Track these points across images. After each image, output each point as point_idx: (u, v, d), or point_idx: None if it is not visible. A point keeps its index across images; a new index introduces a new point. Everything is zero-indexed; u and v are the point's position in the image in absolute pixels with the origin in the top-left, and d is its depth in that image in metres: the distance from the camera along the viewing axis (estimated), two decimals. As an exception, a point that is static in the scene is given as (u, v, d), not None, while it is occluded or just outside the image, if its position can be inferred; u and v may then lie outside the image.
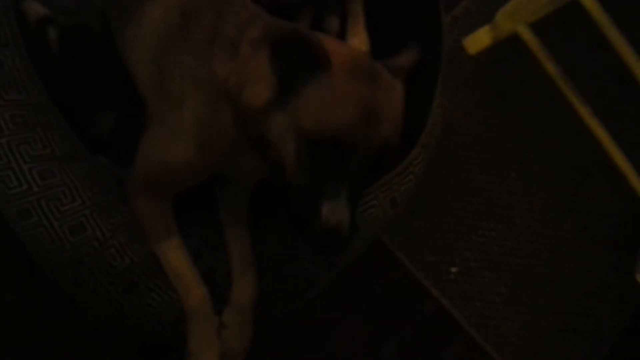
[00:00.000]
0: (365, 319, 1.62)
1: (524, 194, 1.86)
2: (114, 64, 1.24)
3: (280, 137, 0.92)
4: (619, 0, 1.70)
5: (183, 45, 1.07)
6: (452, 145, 1.78)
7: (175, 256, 1.13)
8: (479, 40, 1.83)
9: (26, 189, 1.10)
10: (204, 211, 1.24)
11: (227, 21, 1.03)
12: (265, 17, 1.04)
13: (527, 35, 1.69)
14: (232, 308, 1.18)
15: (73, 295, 1.21)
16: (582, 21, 1.57)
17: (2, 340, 1.32)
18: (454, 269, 1.75)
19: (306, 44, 0.88)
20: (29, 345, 1.35)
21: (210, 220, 1.23)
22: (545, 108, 1.91)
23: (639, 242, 1.84)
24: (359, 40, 1.40)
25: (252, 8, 1.04)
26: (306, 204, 0.88)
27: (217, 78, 1.01)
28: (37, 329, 1.33)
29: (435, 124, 1.31)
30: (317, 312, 1.53)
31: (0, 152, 1.10)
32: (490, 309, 1.76)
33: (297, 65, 0.89)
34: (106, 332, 1.32)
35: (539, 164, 1.89)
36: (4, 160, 1.10)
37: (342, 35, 1.43)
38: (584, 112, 1.73)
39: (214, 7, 1.07)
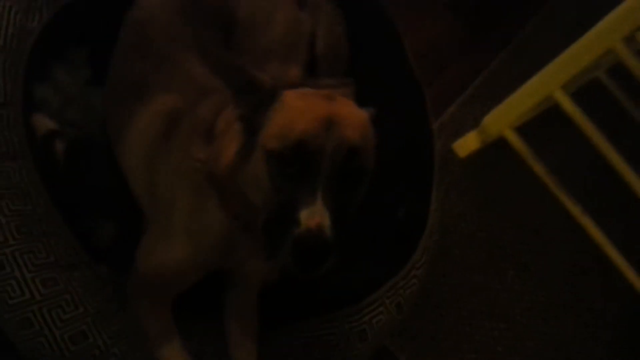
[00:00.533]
0: None
1: (523, 292, 1.86)
2: (115, 173, 1.30)
3: (253, 175, 0.95)
4: (592, 99, 1.77)
5: (167, 147, 1.16)
6: (447, 245, 1.80)
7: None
8: (467, 144, 1.90)
9: (28, 298, 1.11)
10: (211, 322, 1.25)
11: (204, 111, 1.13)
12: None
13: (513, 138, 1.77)
14: None
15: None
16: (564, 122, 1.65)
17: None
18: None
19: (257, 84, 0.96)
20: None
21: (216, 325, 1.24)
22: (536, 207, 1.95)
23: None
24: None
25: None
26: (284, 219, 0.88)
27: (198, 165, 1.08)
28: None
29: (433, 225, 1.35)
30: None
31: (4, 262, 1.13)
32: (497, 414, 1.74)
33: (257, 102, 0.96)
34: None
35: (535, 262, 1.90)
36: (7, 269, 1.12)
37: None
38: (575, 211, 1.77)
39: (192, 103, 1.16)
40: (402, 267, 1.31)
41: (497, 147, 1.86)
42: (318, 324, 1.25)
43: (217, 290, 1.26)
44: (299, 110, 0.92)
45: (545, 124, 1.87)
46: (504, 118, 1.70)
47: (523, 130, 1.79)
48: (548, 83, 1.54)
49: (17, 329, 1.10)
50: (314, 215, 0.85)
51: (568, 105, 1.55)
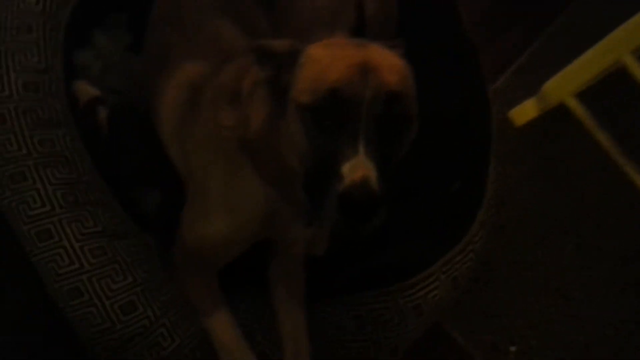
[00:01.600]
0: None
1: (581, 268, 1.80)
2: (157, 140, 1.31)
3: (287, 134, 0.92)
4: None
5: (194, 117, 1.15)
6: (502, 218, 1.77)
7: (223, 330, 1.14)
8: (524, 112, 1.86)
9: (77, 267, 1.13)
10: (257, 289, 1.25)
11: (228, 76, 1.10)
12: None
13: (575, 105, 1.71)
14: None
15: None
16: (630, 89, 1.60)
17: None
18: (513, 348, 1.71)
19: (275, 50, 0.94)
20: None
21: (263, 299, 1.24)
22: (597, 178, 1.90)
23: None
24: None
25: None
26: (326, 176, 0.85)
27: (227, 132, 1.06)
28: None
29: (491, 199, 1.33)
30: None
31: (52, 230, 1.14)
32: (553, 390, 1.72)
33: (280, 63, 0.93)
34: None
35: (595, 237, 1.86)
36: (55, 238, 1.14)
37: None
38: (640, 180, 1.73)
39: (215, 70, 1.14)
40: (458, 242, 1.29)
41: (555, 116, 1.83)
42: (371, 297, 1.24)
43: (262, 261, 1.26)
44: (329, 59, 0.89)
45: (608, 91, 1.82)
46: (566, 84, 1.65)
47: (584, 97, 1.74)
48: (617, 47, 1.49)
49: (68, 298, 1.11)
50: (358, 168, 0.82)
51: (637, 70, 1.50)
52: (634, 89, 1.56)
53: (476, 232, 1.31)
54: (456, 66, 1.45)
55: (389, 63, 0.90)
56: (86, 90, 1.35)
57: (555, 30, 2.09)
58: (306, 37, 1.03)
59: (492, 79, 1.94)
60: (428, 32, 1.46)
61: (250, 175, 1.06)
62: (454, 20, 1.52)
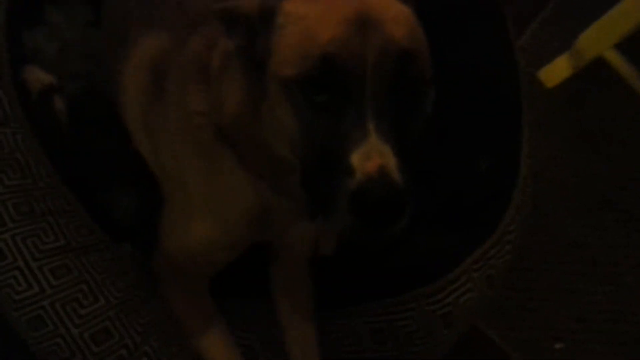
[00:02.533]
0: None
1: (628, 246, 1.70)
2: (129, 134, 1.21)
3: (273, 117, 0.82)
4: None
5: (160, 103, 1.05)
6: (535, 195, 1.63)
7: (219, 352, 1.09)
8: (556, 71, 1.74)
9: (37, 292, 1.04)
10: (256, 295, 1.19)
11: (193, 51, 1.00)
12: None
13: (616, 60, 1.61)
14: None
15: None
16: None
17: None
18: (558, 345, 1.61)
19: (238, 6, 0.83)
20: None
21: (264, 308, 1.17)
22: (640, 145, 1.82)
23: None
24: None
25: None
26: (330, 168, 0.74)
27: (199, 119, 0.97)
28: None
29: (526, 177, 1.22)
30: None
31: (3, 250, 1.04)
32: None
33: (251, 27, 0.83)
34: None
35: (641, 210, 1.77)
36: (8, 259, 1.05)
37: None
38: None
39: (179, 43, 1.04)
40: (491, 232, 1.16)
41: (592, 74, 1.72)
42: (390, 306, 1.15)
43: (261, 262, 1.20)
44: (315, 15, 0.78)
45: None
46: (604, 35, 1.55)
47: (626, 50, 1.63)
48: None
49: (29, 329, 1.03)
50: (372, 155, 0.70)
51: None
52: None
53: (512, 219, 1.19)
54: (477, 20, 1.34)
55: (393, 13, 0.78)
56: (38, 77, 1.23)
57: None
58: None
59: (514, 34, 1.74)
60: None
61: (233, 169, 0.96)
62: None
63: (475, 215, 1.22)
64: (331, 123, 0.74)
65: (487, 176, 1.25)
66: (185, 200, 1.04)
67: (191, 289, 1.11)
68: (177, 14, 1.09)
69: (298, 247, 1.16)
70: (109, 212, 1.20)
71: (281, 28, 0.80)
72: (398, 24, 0.76)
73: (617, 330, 1.64)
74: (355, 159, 0.70)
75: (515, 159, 1.24)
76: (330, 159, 0.74)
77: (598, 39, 1.58)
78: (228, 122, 0.92)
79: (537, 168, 1.62)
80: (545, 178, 1.73)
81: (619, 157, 1.81)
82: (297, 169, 0.82)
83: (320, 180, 0.76)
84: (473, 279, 1.14)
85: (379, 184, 0.69)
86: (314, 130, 0.76)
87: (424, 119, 0.81)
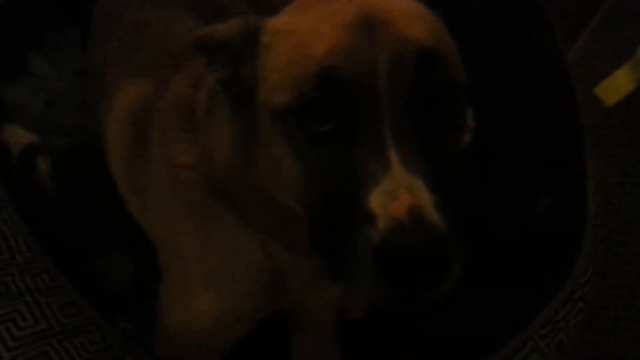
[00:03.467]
0: None
1: None
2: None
3: (269, 158, 0.69)
4: None
5: (144, 157, 0.95)
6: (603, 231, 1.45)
7: None
8: (616, 86, 1.56)
9: None
10: None
11: (175, 94, 0.90)
12: None
13: None
14: None
15: None
16: None
17: None
18: None
19: (215, 32, 0.72)
20: None
21: None
22: None
23: None
24: None
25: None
26: (343, 216, 0.60)
27: (187, 174, 0.86)
28: None
29: (596, 216, 1.04)
30: None
31: None
32: None
33: (234, 54, 0.72)
34: None
35: None
36: None
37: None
38: None
39: (161, 86, 0.94)
40: (559, 289, 0.98)
41: None
42: None
43: (279, 336, 1.11)
44: (307, 26, 0.66)
45: None
46: None
47: None
48: None
49: None
50: (397, 192, 0.56)
51: None
52: None
53: (583, 270, 1.01)
54: (519, 34, 1.19)
55: (402, 8, 0.65)
56: (19, 137, 1.18)
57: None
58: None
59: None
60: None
61: (235, 230, 0.84)
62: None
63: (537, 267, 1.05)
64: (340, 158, 0.61)
65: (549, 217, 1.09)
66: (182, 271, 0.92)
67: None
68: (160, 54, 1.00)
69: (322, 313, 1.06)
70: (102, 283, 1.12)
71: (268, 49, 0.68)
72: (412, 20, 0.63)
73: None
74: (376, 200, 0.56)
75: (581, 194, 1.07)
76: (343, 205, 0.59)
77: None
78: (221, 174, 0.80)
79: (603, 201, 1.43)
80: (611, 209, 1.55)
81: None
82: (305, 221, 0.68)
83: (333, 234, 0.61)
84: (539, 348, 0.96)
85: (411, 232, 0.54)
86: (319, 170, 0.63)
87: (461, 138, 0.66)
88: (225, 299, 0.89)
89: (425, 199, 0.55)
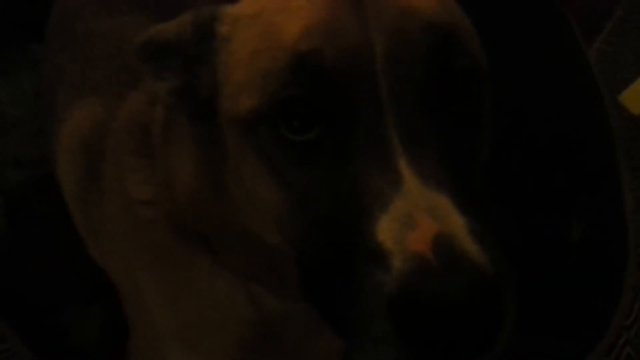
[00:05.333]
0: None
1: None
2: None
3: (241, 184, 0.56)
4: None
5: (97, 194, 0.81)
6: None
7: None
8: None
9: None
10: None
11: (128, 116, 0.77)
12: None
13: None
14: None
15: None
16: None
17: None
18: None
19: (162, 32, 0.60)
20: None
21: None
22: None
23: None
24: None
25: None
26: (342, 254, 0.45)
27: (146, 212, 0.72)
28: None
29: (638, 242, 0.89)
30: None
31: None
32: None
33: (187, 58, 0.59)
34: None
35: None
36: None
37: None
38: None
39: (113, 107, 0.80)
40: (602, 334, 0.82)
41: None
42: None
43: None
44: (274, 4, 0.53)
45: None
46: None
47: None
48: None
49: None
50: (415, 216, 0.42)
51: None
52: None
53: (629, 308, 0.86)
54: (541, 42, 1.05)
55: None
56: None
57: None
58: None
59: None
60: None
61: (209, 274, 0.70)
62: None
63: (574, 309, 0.89)
64: (331, 174, 0.47)
65: (584, 246, 0.93)
66: (149, 327, 0.78)
67: None
68: (115, 68, 0.86)
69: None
70: (65, 340, 0.97)
71: (228, 42, 0.56)
72: None
73: None
74: (386, 230, 0.42)
75: (618, 218, 0.90)
76: (340, 238, 0.45)
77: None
78: (186, 207, 0.67)
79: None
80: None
81: None
82: (292, 263, 0.54)
83: (330, 278, 0.47)
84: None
85: (442, 273, 0.39)
86: (303, 193, 0.49)
87: (486, 138, 0.52)
88: (198, 354, 0.75)
89: (455, 223, 0.41)
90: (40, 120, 1.13)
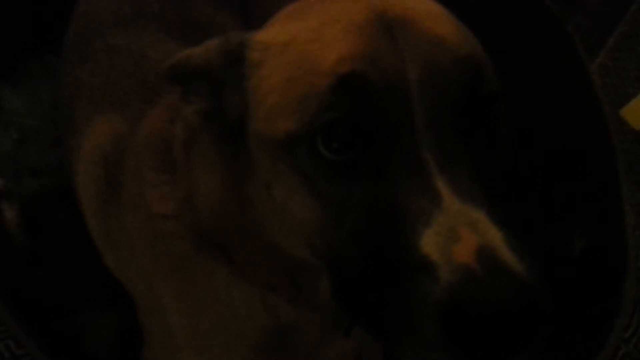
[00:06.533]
0: None
1: None
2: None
3: (272, 202, 0.58)
4: None
5: (117, 207, 0.83)
6: None
7: None
8: None
9: None
10: None
11: (149, 131, 0.79)
12: None
13: None
14: None
15: None
16: None
17: None
18: None
19: (191, 57, 0.62)
20: None
21: None
22: None
23: None
24: None
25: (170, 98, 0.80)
26: (387, 266, 0.48)
27: (167, 225, 0.74)
28: None
29: (638, 257, 0.89)
30: None
31: None
32: None
33: (216, 82, 0.61)
34: None
35: None
36: None
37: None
38: None
39: (134, 122, 0.82)
40: (600, 347, 0.83)
41: None
42: None
43: None
44: (308, 33, 0.55)
45: None
46: None
47: None
48: None
49: None
50: (457, 231, 0.46)
51: None
52: None
53: (628, 322, 0.85)
54: (547, 56, 1.07)
55: (424, 6, 0.55)
56: None
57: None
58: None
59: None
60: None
61: (228, 283, 0.72)
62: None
63: (573, 320, 0.89)
64: (371, 191, 0.50)
65: (585, 259, 0.94)
66: (166, 335, 0.80)
67: None
68: (134, 84, 0.87)
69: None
70: (80, 345, 1.00)
71: (259, 68, 0.57)
72: (438, 20, 0.53)
73: None
74: (431, 243, 0.45)
75: (619, 232, 0.91)
76: (381, 251, 0.48)
77: None
78: (208, 220, 0.69)
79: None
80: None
81: None
82: (324, 273, 0.57)
83: (369, 289, 0.50)
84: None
85: (488, 281, 0.43)
86: (343, 209, 0.52)
87: (505, 158, 0.56)
88: None
89: (495, 236, 0.45)
90: (58, 130, 1.15)
